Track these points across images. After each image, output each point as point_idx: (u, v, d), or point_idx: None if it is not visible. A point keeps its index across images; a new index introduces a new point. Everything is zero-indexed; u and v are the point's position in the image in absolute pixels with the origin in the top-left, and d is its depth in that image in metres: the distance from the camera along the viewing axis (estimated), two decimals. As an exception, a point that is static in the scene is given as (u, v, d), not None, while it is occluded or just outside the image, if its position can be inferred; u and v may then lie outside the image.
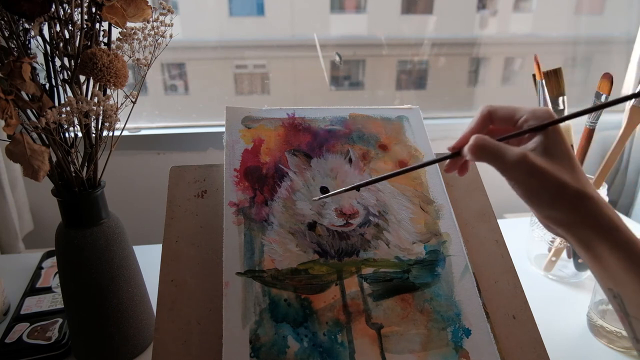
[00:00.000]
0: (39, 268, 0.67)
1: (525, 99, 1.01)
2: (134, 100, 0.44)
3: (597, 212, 0.31)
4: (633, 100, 0.59)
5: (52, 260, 0.70)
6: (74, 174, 0.43)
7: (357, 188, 0.42)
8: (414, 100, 1.10)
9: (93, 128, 0.43)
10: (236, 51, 1.00)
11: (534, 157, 0.31)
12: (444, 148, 0.49)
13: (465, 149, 0.33)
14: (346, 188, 0.39)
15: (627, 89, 1.01)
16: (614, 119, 0.94)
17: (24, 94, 0.39)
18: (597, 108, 0.32)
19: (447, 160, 0.37)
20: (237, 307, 0.35)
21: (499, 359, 0.36)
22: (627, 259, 0.29)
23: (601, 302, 0.54)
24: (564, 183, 0.31)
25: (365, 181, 0.38)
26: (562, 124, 0.62)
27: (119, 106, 0.42)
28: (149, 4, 0.41)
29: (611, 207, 0.31)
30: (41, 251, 0.73)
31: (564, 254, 0.65)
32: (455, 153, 0.36)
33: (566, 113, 0.63)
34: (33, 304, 0.58)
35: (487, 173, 0.40)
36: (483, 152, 0.32)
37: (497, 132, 0.36)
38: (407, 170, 0.38)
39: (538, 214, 0.33)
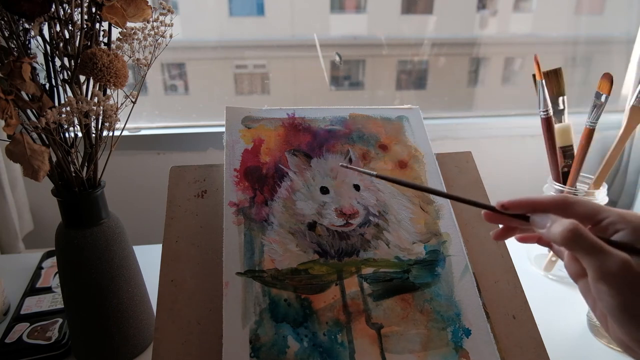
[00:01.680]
0: (39, 268, 0.67)
1: (526, 99, 1.01)
2: (134, 100, 0.44)
3: None
4: (633, 99, 0.59)
5: (52, 260, 0.70)
6: (74, 174, 0.43)
7: (398, 182, 0.40)
8: (414, 100, 1.10)
9: (93, 128, 0.43)
10: (236, 51, 1.00)
11: (638, 266, 0.27)
12: (444, 148, 0.49)
13: (555, 231, 0.29)
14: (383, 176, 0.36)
15: (627, 89, 1.01)
16: (614, 119, 0.94)
17: (24, 94, 0.39)
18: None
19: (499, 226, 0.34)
20: (237, 307, 0.35)
21: (499, 359, 0.36)
22: None
23: (601, 302, 0.54)
24: None
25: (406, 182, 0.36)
26: (561, 123, 0.61)
27: (119, 106, 0.42)
28: (149, 4, 0.41)
29: None
30: (41, 251, 0.73)
31: (564, 254, 0.65)
32: (522, 216, 0.32)
33: (566, 112, 0.63)
34: (33, 304, 0.58)
35: (487, 173, 0.40)
36: (578, 244, 0.28)
37: None
38: (450, 196, 0.36)
39: (626, 333, 0.28)
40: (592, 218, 0.31)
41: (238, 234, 0.39)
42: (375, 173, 0.35)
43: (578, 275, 0.32)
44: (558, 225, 0.29)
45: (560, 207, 0.32)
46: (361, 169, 0.40)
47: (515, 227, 0.35)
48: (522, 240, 0.36)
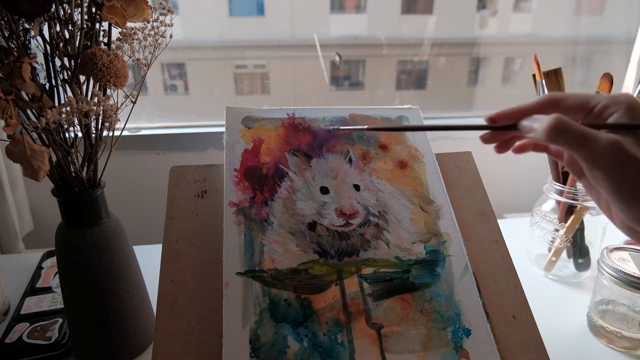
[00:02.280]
0: (39, 268, 0.67)
1: (526, 99, 1.01)
2: (134, 100, 0.44)
3: None
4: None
5: (52, 260, 0.70)
6: (74, 174, 0.43)
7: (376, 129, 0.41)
8: (414, 100, 1.10)
9: (93, 128, 0.43)
10: (236, 51, 1.00)
11: (629, 144, 0.27)
12: (444, 148, 0.49)
13: (539, 129, 0.29)
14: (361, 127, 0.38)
15: (627, 89, 1.01)
16: (614, 119, 0.94)
17: (24, 94, 0.39)
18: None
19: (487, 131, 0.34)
20: (237, 307, 0.35)
21: (499, 359, 0.36)
22: None
23: (601, 302, 0.54)
24: None
25: (386, 127, 0.36)
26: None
27: (119, 106, 0.42)
28: (149, 4, 0.41)
29: None
30: (41, 251, 0.73)
31: (564, 254, 0.65)
32: (511, 125, 0.32)
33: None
34: (33, 304, 0.58)
35: (487, 173, 0.40)
36: (564, 135, 0.28)
37: None
38: (446, 127, 0.34)
39: (627, 212, 0.29)
40: (584, 108, 0.30)
41: (238, 234, 0.39)
42: (365, 127, 0.36)
43: (580, 173, 0.32)
44: (542, 123, 0.29)
45: (549, 106, 0.31)
46: (351, 127, 0.40)
47: (512, 138, 0.35)
48: (517, 150, 0.35)
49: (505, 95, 1.18)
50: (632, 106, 0.28)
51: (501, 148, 0.35)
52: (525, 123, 0.31)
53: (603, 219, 0.63)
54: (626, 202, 0.28)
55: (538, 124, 0.29)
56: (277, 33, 0.99)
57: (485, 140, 0.34)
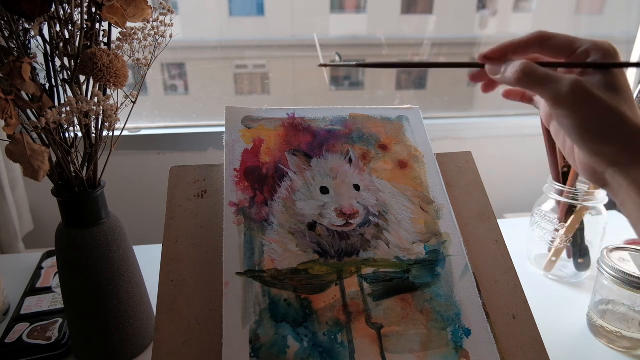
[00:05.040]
0: (39, 268, 0.67)
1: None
2: (134, 100, 0.44)
3: None
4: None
5: (52, 260, 0.70)
6: (74, 174, 0.43)
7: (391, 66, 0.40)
8: (414, 100, 1.10)
9: (93, 128, 0.43)
10: (236, 51, 1.00)
11: (590, 84, 0.29)
12: (444, 148, 0.49)
13: (509, 73, 0.31)
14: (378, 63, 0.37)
15: (627, 89, 1.01)
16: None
17: (24, 94, 0.39)
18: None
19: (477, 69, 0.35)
20: (237, 307, 0.35)
21: (499, 359, 0.36)
22: None
23: (601, 302, 0.54)
24: (624, 115, 0.28)
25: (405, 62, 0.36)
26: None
27: (119, 106, 0.42)
28: (149, 4, 0.41)
29: None
30: (41, 251, 0.73)
31: (564, 254, 0.65)
32: (480, 65, 0.34)
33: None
34: (33, 304, 0.58)
35: (487, 173, 0.40)
36: (531, 79, 0.30)
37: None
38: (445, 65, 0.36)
39: (588, 149, 0.30)
40: (568, 49, 0.32)
41: (238, 234, 0.39)
42: (355, 63, 0.35)
43: (549, 117, 0.35)
44: (511, 68, 0.31)
45: (538, 42, 0.33)
46: (342, 64, 0.39)
47: (494, 81, 0.36)
48: (505, 94, 0.37)
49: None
50: (611, 53, 0.31)
51: (487, 87, 0.37)
52: (491, 66, 0.33)
53: (603, 219, 0.63)
54: (586, 137, 0.30)
55: (508, 69, 0.31)
56: (277, 33, 0.99)
57: (473, 78, 0.36)
